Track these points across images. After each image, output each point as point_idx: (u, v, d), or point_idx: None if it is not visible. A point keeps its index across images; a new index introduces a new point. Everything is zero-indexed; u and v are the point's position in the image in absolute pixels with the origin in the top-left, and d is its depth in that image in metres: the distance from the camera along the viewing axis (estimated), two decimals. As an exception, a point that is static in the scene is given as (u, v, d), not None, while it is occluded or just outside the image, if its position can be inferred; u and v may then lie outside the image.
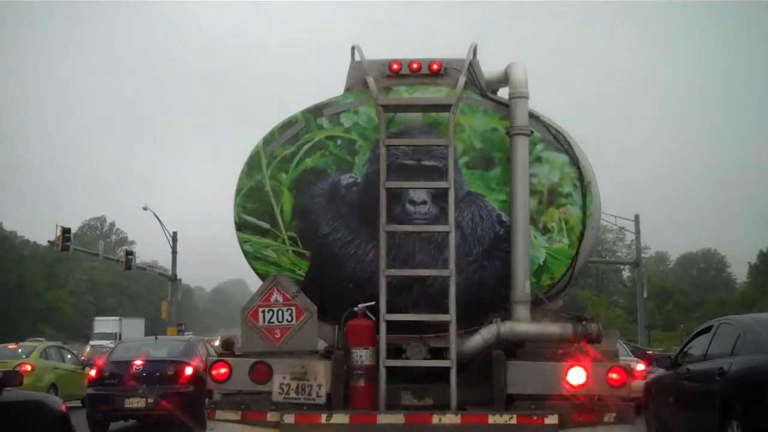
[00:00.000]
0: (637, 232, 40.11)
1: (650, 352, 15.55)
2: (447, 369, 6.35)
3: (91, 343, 50.93)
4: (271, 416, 6.37)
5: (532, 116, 6.88)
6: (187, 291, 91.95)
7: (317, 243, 6.87)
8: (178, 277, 41.68)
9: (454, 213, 6.54)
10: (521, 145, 6.73)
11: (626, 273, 76.97)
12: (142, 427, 14.44)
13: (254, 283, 7.08)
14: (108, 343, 40.52)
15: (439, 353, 6.61)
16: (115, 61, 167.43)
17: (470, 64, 6.95)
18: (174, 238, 40.96)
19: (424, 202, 6.78)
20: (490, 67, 7.20)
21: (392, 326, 6.44)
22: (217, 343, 19.35)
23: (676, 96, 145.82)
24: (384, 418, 6.23)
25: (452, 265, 6.43)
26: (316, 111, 7.04)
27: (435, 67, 7.01)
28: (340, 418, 6.26)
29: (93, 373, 14.60)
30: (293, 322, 6.70)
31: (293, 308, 6.71)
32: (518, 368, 6.41)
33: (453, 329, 6.37)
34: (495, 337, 6.55)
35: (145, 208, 41.21)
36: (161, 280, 56.91)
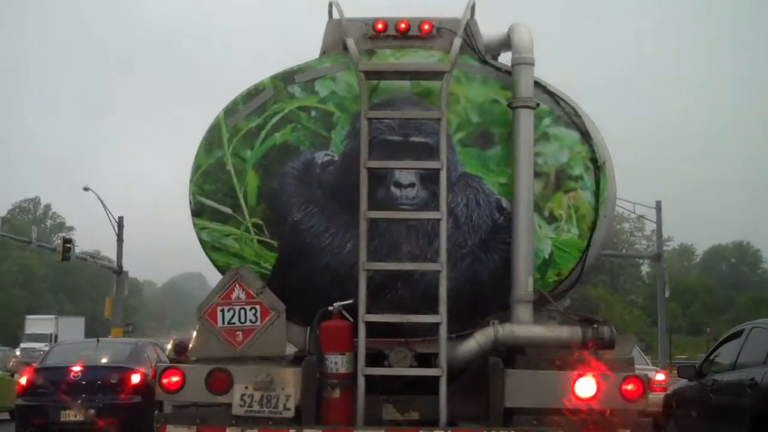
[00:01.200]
0: (659, 221, 40.36)
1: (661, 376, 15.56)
2: (436, 378, 6.37)
3: (22, 346, 50.77)
4: (231, 432, 6.38)
5: (538, 86, 6.89)
6: (135, 286, 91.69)
7: (287, 231, 6.87)
8: (125, 269, 41.60)
9: (447, 198, 6.55)
10: (525, 120, 6.74)
11: (645, 268, 77.54)
12: (80, 443, 14.40)
13: (213, 278, 7.09)
14: (42, 346, 40.46)
15: (428, 360, 6.63)
16: (50, 30, 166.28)
17: (467, 24, 6.95)
18: (120, 223, 40.81)
19: (412, 185, 6.79)
20: (490, 29, 7.20)
21: (373, 328, 6.46)
22: (168, 346, 19.36)
23: (704, 73, 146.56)
24: (362, 436, 6.25)
25: (443, 257, 6.44)
26: (286, 77, 7.02)
27: (426, 27, 7.00)
28: (312, 434, 6.28)
29: (23, 381, 14.57)
30: (258, 323, 6.70)
31: (258, 307, 6.71)
32: (518, 378, 6.44)
33: (443, 332, 6.40)
34: (492, 341, 6.57)
35: (86, 189, 41.10)
36: (105, 273, 56.65)
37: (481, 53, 7.07)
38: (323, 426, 6.37)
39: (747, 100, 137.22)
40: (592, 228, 6.84)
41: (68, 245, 39.25)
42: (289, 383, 6.47)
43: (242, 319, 6.71)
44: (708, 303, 75.31)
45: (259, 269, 6.89)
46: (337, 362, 6.47)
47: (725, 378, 9.58)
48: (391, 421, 6.56)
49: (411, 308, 6.66)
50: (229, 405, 6.47)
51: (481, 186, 6.85)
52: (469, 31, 6.99)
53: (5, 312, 75.87)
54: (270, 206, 6.91)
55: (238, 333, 6.71)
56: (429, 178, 6.73)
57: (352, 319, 6.51)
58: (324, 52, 7.19)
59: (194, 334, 6.96)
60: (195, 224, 7.02)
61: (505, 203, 6.80)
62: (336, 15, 7.05)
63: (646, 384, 6.50)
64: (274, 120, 6.95)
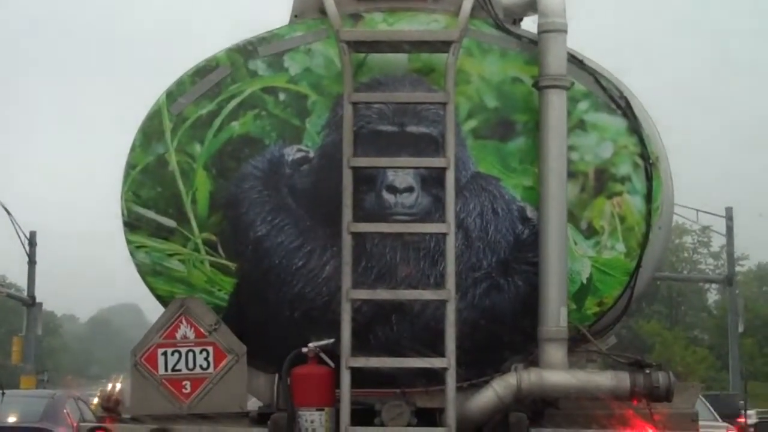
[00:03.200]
0: (730, 234, 40.41)
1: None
2: (443, 440, 6.38)
3: None
4: None
5: (573, 60, 6.93)
6: (52, 322, 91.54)
7: (248, 250, 6.89)
8: (38, 300, 41.48)
9: (455, 205, 6.57)
10: (556, 103, 6.77)
11: (713, 295, 77.60)
12: None
13: (152, 311, 7.08)
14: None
15: (431, 416, 6.64)
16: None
17: (481, -20, 6.99)
18: (31, 240, 40.75)
19: (410, 189, 6.81)
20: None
21: (360, 376, 6.47)
22: (95, 400, 19.27)
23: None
24: None
25: (451, 284, 6.46)
26: (247, 50, 7.04)
27: (427, -16, 7.04)
28: None
29: None
30: (210, 369, 6.71)
31: (210, 349, 6.72)
32: (549, 439, 6.46)
33: (451, 381, 6.40)
34: (514, 392, 6.59)
35: (-14, 196, 40.97)
36: (12, 306, 56.54)
37: (499, 17, 7.09)
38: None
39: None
40: (643, 244, 6.87)
41: (-37, 269, 39.22)
42: (252, 448, 6.48)
43: (190, 365, 6.72)
44: (794, 340, 75.49)
45: (213, 299, 6.90)
46: (313, 420, 6.48)
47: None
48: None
49: (409, 350, 6.68)
50: (174, 476, 6.49)
51: (500, 190, 6.87)
52: (484, -12, 7.03)
53: None
54: (226, 217, 6.93)
55: (185, 383, 6.72)
56: (432, 181, 6.75)
57: (333, 364, 6.52)
58: (295, 17, 7.21)
59: (128, 383, 6.94)
60: (129, 241, 7.05)
61: (530, 212, 6.84)
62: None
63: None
64: (231, 105, 6.97)
